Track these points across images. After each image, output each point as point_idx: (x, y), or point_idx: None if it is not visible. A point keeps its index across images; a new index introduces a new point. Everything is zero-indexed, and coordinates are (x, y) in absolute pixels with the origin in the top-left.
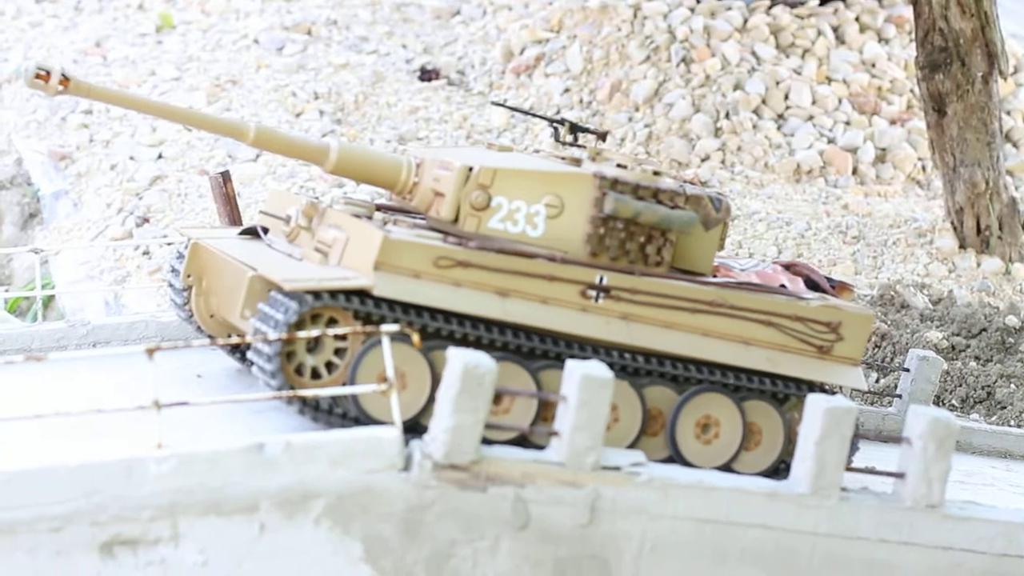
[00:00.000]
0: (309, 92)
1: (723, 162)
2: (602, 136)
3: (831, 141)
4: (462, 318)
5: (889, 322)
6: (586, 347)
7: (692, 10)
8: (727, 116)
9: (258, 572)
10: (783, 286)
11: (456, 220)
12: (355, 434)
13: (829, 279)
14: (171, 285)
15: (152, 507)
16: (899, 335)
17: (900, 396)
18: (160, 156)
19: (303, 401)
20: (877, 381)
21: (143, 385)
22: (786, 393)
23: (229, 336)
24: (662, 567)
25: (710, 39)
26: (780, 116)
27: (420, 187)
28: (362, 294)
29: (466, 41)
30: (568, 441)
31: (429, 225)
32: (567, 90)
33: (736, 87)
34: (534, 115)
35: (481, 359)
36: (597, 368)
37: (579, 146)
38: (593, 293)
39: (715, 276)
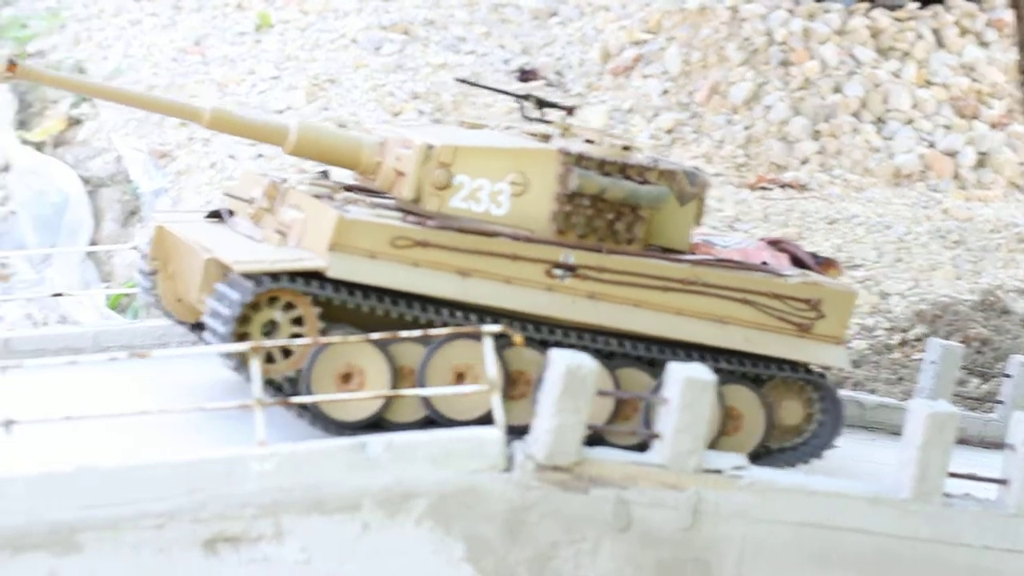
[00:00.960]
0: (407, 92)
1: (822, 165)
2: (569, 111)
3: (931, 145)
4: (423, 300)
5: (990, 328)
6: (555, 328)
7: (791, 12)
8: (826, 119)
9: (360, 571)
10: (764, 263)
11: (418, 200)
12: (456, 434)
13: (815, 256)
14: (140, 270)
15: (255, 505)
16: (1000, 340)
17: (1002, 402)
18: (260, 155)
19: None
20: (979, 387)
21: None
22: (768, 374)
23: (197, 320)
24: (763, 571)
25: (809, 41)
26: (879, 119)
27: (383, 167)
28: (319, 276)
29: (564, 42)
30: (670, 443)
31: (395, 206)
32: (665, 92)
33: (835, 90)
34: (497, 90)
35: (583, 360)
36: (699, 371)
37: (547, 122)
38: (559, 272)
39: (693, 253)
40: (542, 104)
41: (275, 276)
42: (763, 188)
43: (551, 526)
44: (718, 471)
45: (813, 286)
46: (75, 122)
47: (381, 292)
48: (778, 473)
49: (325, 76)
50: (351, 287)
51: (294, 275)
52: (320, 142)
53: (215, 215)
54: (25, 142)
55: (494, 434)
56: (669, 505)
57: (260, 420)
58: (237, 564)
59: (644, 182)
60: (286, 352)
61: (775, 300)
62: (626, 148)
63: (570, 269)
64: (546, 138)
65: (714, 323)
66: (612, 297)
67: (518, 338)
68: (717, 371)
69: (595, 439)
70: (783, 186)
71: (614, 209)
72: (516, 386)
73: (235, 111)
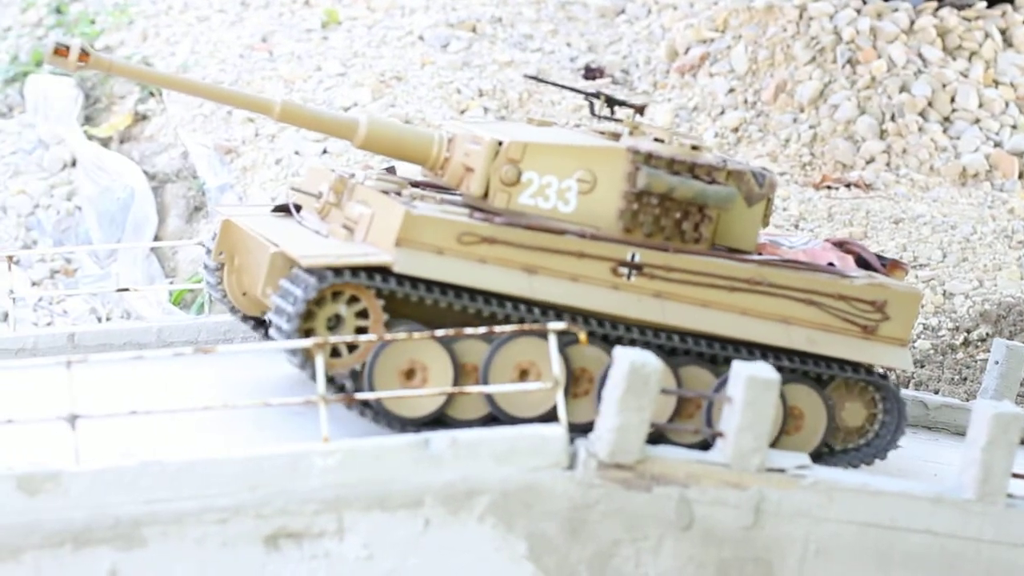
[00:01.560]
0: (473, 89)
1: (888, 165)
2: (640, 109)
3: (997, 144)
4: (488, 296)
5: None
6: (618, 325)
7: (858, 11)
8: (892, 118)
9: (422, 568)
10: (831, 264)
11: (486, 196)
12: (520, 431)
13: (881, 257)
14: (205, 265)
15: (317, 501)
16: None
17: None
18: (325, 151)
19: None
20: None
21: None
22: (830, 375)
23: (263, 315)
24: (825, 571)
25: (876, 40)
26: (946, 119)
27: (451, 162)
28: (385, 271)
29: (630, 40)
30: (733, 442)
31: (463, 202)
32: (732, 90)
33: (902, 89)
34: (567, 87)
35: (647, 358)
36: (763, 369)
37: (616, 120)
38: (625, 270)
39: (759, 254)
40: (612, 102)
41: (338, 271)
42: (828, 187)
43: (613, 524)
44: (781, 470)
45: (879, 288)
46: (141, 118)
47: (446, 287)
48: (841, 473)
49: (391, 73)
50: (416, 282)
51: (359, 270)
52: (389, 136)
53: (282, 209)
54: (91, 137)
55: (557, 432)
56: (731, 504)
57: (324, 416)
58: (299, 560)
59: (712, 182)
60: (351, 347)
61: (840, 301)
62: (695, 148)
63: (636, 268)
64: (616, 136)
65: (779, 323)
66: (678, 296)
67: (582, 336)
68: (779, 370)
69: (657, 437)
70: (848, 185)
71: (681, 208)
72: (579, 383)
73: (305, 105)
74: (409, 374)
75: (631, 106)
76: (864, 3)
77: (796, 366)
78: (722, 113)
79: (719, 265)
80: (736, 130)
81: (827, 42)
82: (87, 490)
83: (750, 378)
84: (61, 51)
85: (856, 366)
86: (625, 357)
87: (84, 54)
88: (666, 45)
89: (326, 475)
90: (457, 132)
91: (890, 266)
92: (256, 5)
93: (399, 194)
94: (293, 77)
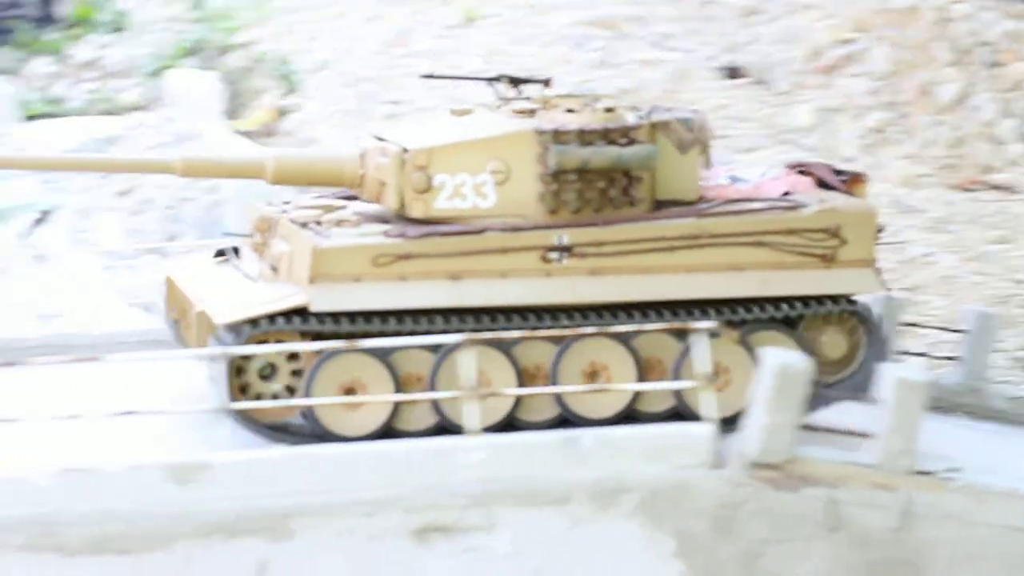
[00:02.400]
0: (612, 88)
1: None
2: (546, 83)
3: None
4: (415, 314)
5: None
6: (558, 314)
7: (1000, 14)
8: None
9: (569, 565)
10: (786, 194)
11: (402, 207)
12: (669, 429)
13: (840, 172)
14: (164, 319)
15: (466, 495)
16: None
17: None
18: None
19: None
20: None
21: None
22: (798, 314)
23: None
24: (973, 575)
25: (1018, 43)
26: None
27: (367, 179)
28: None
29: (770, 40)
30: (883, 444)
31: (387, 217)
32: (872, 91)
33: None
34: (464, 78)
35: (795, 359)
36: (911, 370)
37: (526, 99)
38: (555, 255)
39: (706, 200)
40: (515, 82)
41: (255, 322)
42: (971, 190)
43: (761, 524)
44: (930, 473)
45: (828, 213)
46: (283, 112)
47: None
48: (992, 477)
49: (530, 71)
50: (339, 315)
51: (282, 314)
52: (299, 168)
53: (221, 254)
54: (234, 132)
55: (706, 430)
56: (880, 506)
57: (473, 412)
58: (447, 554)
59: (631, 142)
60: (289, 389)
61: (791, 236)
62: (609, 110)
63: (566, 250)
64: (532, 113)
65: (729, 272)
66: (616, 269)
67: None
68: (741, 321)
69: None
70: (992, 188)
71: (604, 177)
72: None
73: (207, 156)
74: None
75: (536, 81)
76: (1008, 2)
77: (751, 315)
78: (862, 114)
79: (652, 228)
80: (878, 131)
81: (968, 44)
82: (237, 481)
83: (900, 380)
84: None
85: (831, 298)
86: (774, 358)
87: None
88: (806, 45)
89: (475, 470)
90: (368, 147)
91: (850, 182)
92: (394, 2)
93: (319, 224)
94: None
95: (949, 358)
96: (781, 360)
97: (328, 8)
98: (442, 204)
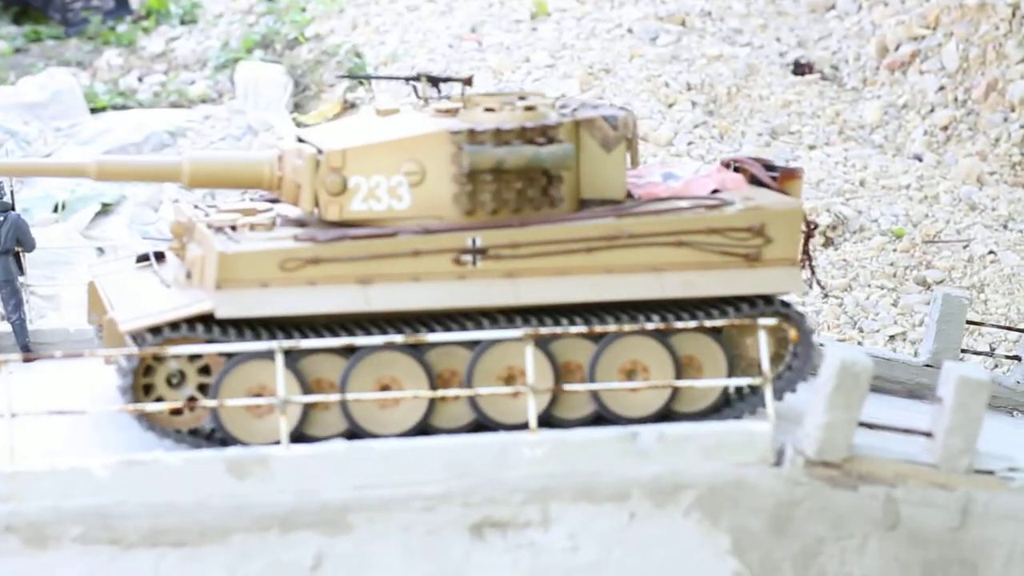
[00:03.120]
0: (682, 83)
1: None
2: (467, 81)
3: None
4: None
5: None
6: (474, 317)
7: None
8: None
9: (626, 560)
10: (715, 191)
11: (318, 210)
12: (728, 427)
13: (772, 168)
14: (88, 321)
15: (524, 490)
16: None
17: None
18: None
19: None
20: None
21: None
22: (723, 314)
23: None
24: None
25: None
26: None
27: (285, 181)
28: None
29: (840, 35)
30: (942, 443)
31: (301, 220)
32: (942, 88)
33: None
34: (383, 77)
35: (858, 356)
36: (974, 370)
37: (446, 98)
38: (468, 258)
39: (632, 199)
40: (435, 81)
41: (157, 330)
42: None
43: (818, 522)
44: (990, 472)
45: (752, 211)
46: (350, 105)
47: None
48: None
49: (600, 65)
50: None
51: (188, 321)
52: (215, 171)
53: (143, 259)
54: (300, 124)
55: (765, 428)
56: (938, 505)
57: (532, 407)
58: (503, 549)
59: (550, 141)
60: (191, 401)
61: (713, 235)
62: (529, 108)
63: (480, 252)
64: (454, 112)
65: (649, 274)
66: (532, 271)
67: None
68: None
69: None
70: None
71: (521, 177)
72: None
73: (121, 159)
74: (257, 395)
75: (457, 80)
76: None
77: (675, 319)
78: (932, 111)
79: (569, 229)
80: (945, 128)
81: None
82: (295, 474)
83: (961, 379)
84: None
85: (752, 300)
86: (835, 355)
87: None
88: (876, 41)
89: (534, 465)
90: (286, 149)
91: (782, 178)
92: None
93: (233, 228)
94: (502, 68)
95: (1012, 357)
96: (842, 357)
97: (400, 1)
98: (357, 206)
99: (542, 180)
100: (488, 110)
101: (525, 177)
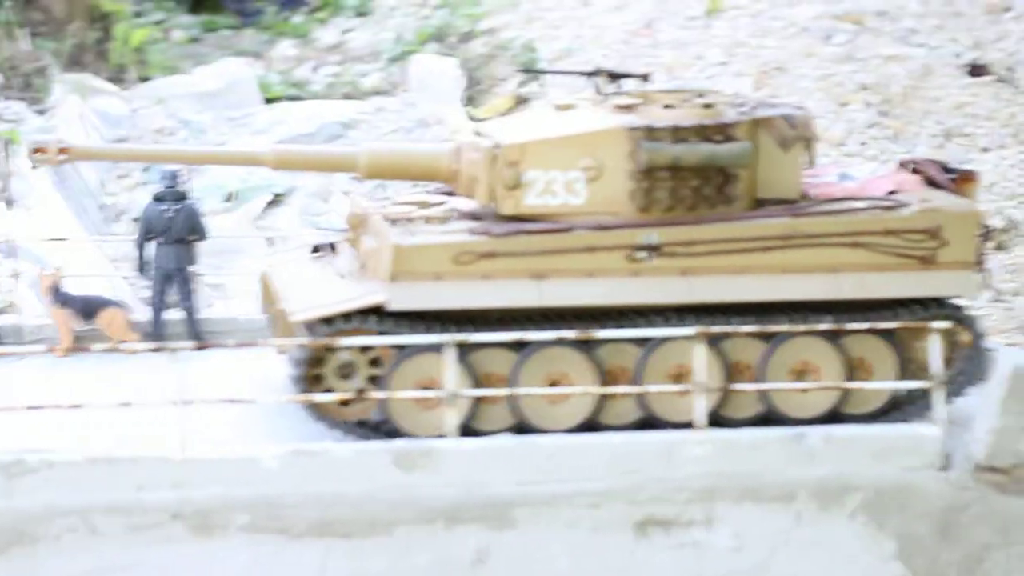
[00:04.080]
0: (855, 83)
1: None
2: (644, 77)
3: None
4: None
5: None
6: (645, 314)
7: None
8: None
9: (790, 562)
10: (892, 192)
11: (494, 203)
12: (897, 430)
13: (950, 170)
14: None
15: (689, 489)
16: None
17: None
18: None
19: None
20: None
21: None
22: (895, 316)
23: None
24: None
25: None
26: None
27: (461, 174)
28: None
29: (1017, 37)
30: None
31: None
32: None
33: None
34: (564, 72)
35: None
36: None
37: (625, 94)
38: (642, 254)
39: (808, 199)
40: (614, 76)
41: (329, 320)
42: None
43: (984, 528)
44: None
45: (929, 214)
46: (522, 100)
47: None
48: None
49: (774, 64)
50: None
51: (361, 313)
52: (392, 162)
53: (318, 249)
54: (472, 118)
55: (934, 432)
56: None
57: (701, 405)
58: (667, 548)
59: (727, 139)
60: (372, 379)
61: (889, 236)
62: (708, 106)
63: (654, 249)
64: (630, 108)
65: (824, 274)
66: (707, 269)
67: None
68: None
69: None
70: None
71: (698, 175)
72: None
73: (298, 148)
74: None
75: (635, 76)
76: None
77: (849, 320)
78: None
79: (745, 227)
80: None
81: None
82: (462, 468)
83: None
84: (40, 149)
85: (925, 302)
86: (1008, 360)
87: (63, 149)
88: None
89: (700, 464)
90: (463, 142)
91: (959, 180)
92: None
93: (409, 220)
94: (674, 64)
95: None
96: (1015, 363)
97: None
98: (532, 201)
99: (718, 178)
100: (667, 107)
101: (702, 175)
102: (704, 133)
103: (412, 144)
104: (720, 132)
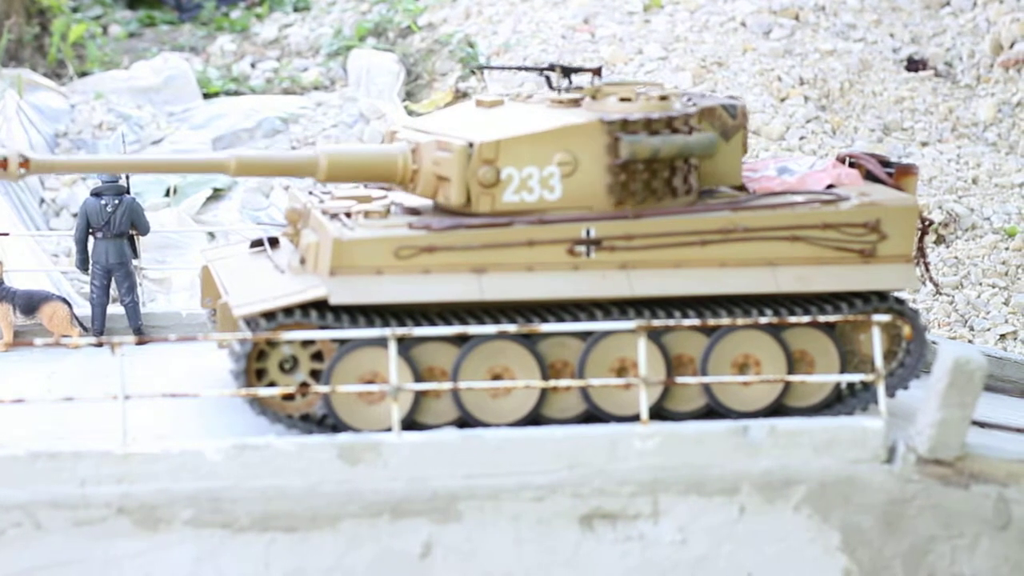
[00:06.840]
0: (794, 77)
1: None
2: (596, 72)
3: None
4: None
5: None
6: (587, 308)
7: None
8: None
9: (735, 555)
10: (830, 186)
11: (468, 202)
12: (840, 423)
13: (888, 164)
14: (201, 306)
15: (634, 482)
16: None
17: None
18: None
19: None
20: None
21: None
22: (836, 310)
23: None
24: None
25: None
26: None
27: (420, 174)
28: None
29: (955, 32)
30: None
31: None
32: None
33: None
34: (520, 68)
35: (972, 354)
36: None
37: (577, 88)
38: (582, 249)
39: (746, 190)
40: (567, 71)
41: (270, 315)
42: None
43: (929, 520)
44: None
45: (868, 208)
46: (461, 95)
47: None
48: None
49: (713, 58)
50: (354, 308)
51: (301, 307)
52: (351, 164)
53: (257, 244)
54: (412, 113)
55: (877, 425)
56: None
57: (644, 398)
58: (613, 541)
59: (691, 130)
60: (303, 387)
61: (828, 230)
62: (663, 98)
63: (594, 243)
64: (575, 102)
65: (763, 268)
66: (647, 263)
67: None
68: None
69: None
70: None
71: (669, 167)
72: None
73: (259, 154)
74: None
75: (587, 71)
76: None
77: (789, 314)
78: None
79: (685, 221)
80: None
81: None
82: (407, 462)
83: None
84: (1, 163)
85: (865, 295)
86: (950, 353)
87: (24, 162)
88: (991, 39)
89: (645, 457)
90: (420, 141)
91: (898, 174)
92: None
93: (348, 215)
94: (614, 59)
95: None
96: (956, 355)
97: None
98: (509, 198)
99: (684, 168)
100: (623, 99)
101: (672, 166)
102: (672, 125)
103: (367, 146)
104: (684, 123)
